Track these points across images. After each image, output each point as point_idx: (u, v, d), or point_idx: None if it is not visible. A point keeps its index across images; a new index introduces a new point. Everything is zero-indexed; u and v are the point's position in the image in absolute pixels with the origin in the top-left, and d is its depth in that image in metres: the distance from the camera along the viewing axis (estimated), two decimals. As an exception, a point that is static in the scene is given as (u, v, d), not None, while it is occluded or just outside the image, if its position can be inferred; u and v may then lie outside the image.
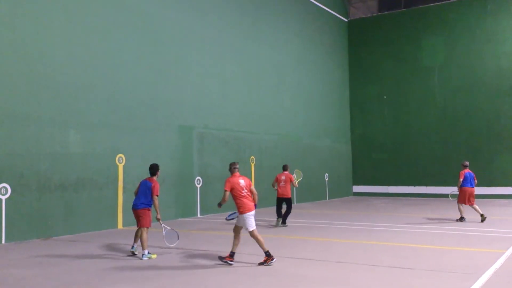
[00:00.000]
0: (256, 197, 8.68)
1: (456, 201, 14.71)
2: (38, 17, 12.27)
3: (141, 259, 8.91)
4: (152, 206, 9.39)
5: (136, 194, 9.59)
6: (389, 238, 11.27)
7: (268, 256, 8.26)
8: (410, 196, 25.32)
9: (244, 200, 8.45)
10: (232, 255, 8.42)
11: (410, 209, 18.63)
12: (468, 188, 14.31)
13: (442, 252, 9.39)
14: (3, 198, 11.18)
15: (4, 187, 11.21)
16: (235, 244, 8.52)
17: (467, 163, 14.84)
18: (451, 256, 9.00)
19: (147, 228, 9.29)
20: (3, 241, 11.11)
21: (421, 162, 25.44)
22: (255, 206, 8.59)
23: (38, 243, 11.26)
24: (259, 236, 8.38)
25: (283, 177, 14.14)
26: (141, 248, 9.16)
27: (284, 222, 13.79)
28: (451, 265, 8.07)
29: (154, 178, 9.55)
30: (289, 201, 14.07)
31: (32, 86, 12.01)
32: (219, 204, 8.73)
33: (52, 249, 10.40)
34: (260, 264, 8.24)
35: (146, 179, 9.60)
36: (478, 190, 14.99)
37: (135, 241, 9.49)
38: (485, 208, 16.10)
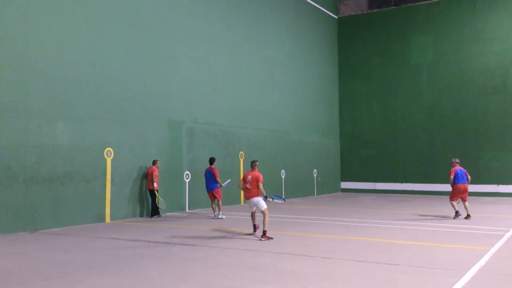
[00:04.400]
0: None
1: (448, 198, 14.74)
2: (26, 7, 12.14)
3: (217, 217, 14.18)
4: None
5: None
6: (376, 234, 11.36)
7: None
8: (397, 193, 25.53)
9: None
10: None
11: (397, 206, 18.79)
12: (461, 185, 14.30)
13: (428, 249, 9.50)
14: (-10, 190, 11.08)
15: (-9, 179, 11.11)
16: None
17: (457, 160, 14.86)
18: (437, 252, 9.10)
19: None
20: (-11, 234, 11.03)
21: (409, 159, 25.65)
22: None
23: (24, 236, 11.19)
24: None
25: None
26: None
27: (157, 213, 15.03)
28: (436, 261, 8.16)
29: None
30: (151, 193, 14.92)
31: (19, 78, 11.90)
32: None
33: (39, 242, 10.35)
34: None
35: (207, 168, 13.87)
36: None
37: (215, 210, 14.59)
38: (472, 205, 16.23)
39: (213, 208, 14.66)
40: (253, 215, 11.34)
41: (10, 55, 11.74)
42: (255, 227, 11.23)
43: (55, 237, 10.96)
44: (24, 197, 11.80)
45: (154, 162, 14.99)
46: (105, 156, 13.91)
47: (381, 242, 10.22)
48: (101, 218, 13.67)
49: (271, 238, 10.49)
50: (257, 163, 11.39)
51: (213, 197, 14.57)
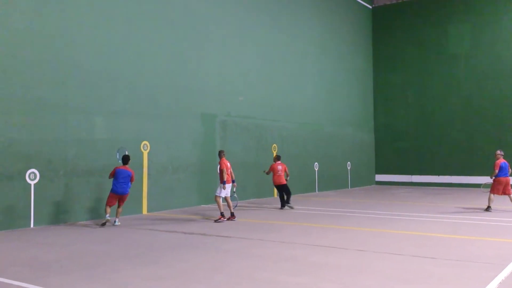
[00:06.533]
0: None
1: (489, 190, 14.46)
2: (64, 7, 12.46)
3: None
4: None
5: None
6: (412, 227, 11.22)
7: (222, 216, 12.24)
8: (434, 186, 25.07)
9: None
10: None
11: (434, 199, 18.46)
12: (503, 178, 14.00)
13: (467, 242, 9.32)
14: (32, 183, 11.47)
15: (33, 172, 11.50)
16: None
17: (502, 152, 14.47)
18: (476, 245, 8.92)
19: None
20: (32, 225, 11.42)
21: (445, 152, 25.14)
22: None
23: (65, 227, 11.54)
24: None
25: (279, 167, 15.47)
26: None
27: (288, 202, 15.23)
28: (475, 255, 8.01)
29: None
30: (285, 186, 15.42)
31: (59, 75, 12.24)
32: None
33: (78, 233, 10.66)
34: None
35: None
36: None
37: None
38: None
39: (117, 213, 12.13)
40: (221, 201, 12.57)
41: (50, 54, 12.09)
42: (233, 214, 12.58)
43: (93, 229, 11.26)
44: (65, 190, 12.17)
45: (277, 159, 15.70)
46: (142, 149, 14.17)
47: (418, 235, 10.09)
48: (138, 210, 13.96)
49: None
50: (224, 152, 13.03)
51: (122, 202, 11.99)
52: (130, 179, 11.85)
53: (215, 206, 16.11)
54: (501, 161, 14.17)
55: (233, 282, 6.36)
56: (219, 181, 12.61)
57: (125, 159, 12.01)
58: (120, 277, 6.63)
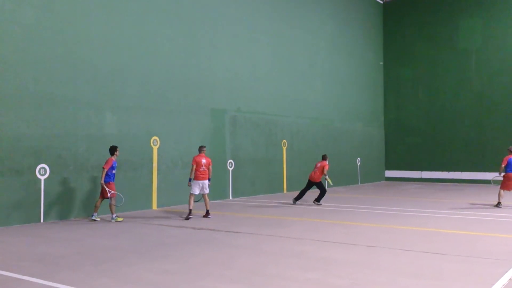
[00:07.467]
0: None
1: (499, 186, 14.40)
2: (74, 2, 12.51)
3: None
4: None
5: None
6: (422, 223, 11.16)
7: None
8: (444, 182, 24.93)
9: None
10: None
11: (445, 195, 18.36)
12: (510, 174, 13.96)
13: (477, 238, 9.26)
14: (42, 178, 11.56)
15: (43, 167, 11.59)
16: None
17: None
18: (486, 242, 8.86)
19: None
20: (42, 220, 11.52)
21: (456, 147, 24.97)
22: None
23: (74, 222, 11.63)
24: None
25: (318, 164, 15.22)
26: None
27: (317, 201, 15.10)
28: (485, 251, 7.96)
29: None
30: (318, 185, 15.13)
31: (69, 70, 12.30)
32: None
33: (89, 228, 10.73)
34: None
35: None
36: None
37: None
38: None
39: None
40: (191, 200, 12.04)
41: (60, 49, 12.14)
42: (190, 212, 12.01)
43: (104, 224, 11.33)
44: (74, 185, 12.25)
45: (326, 157, 15.50)
46: (152, 144, 14.22)
47: (428, 231, 10.04)
48: (148, 205, 14.03)
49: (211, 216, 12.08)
50: (205, 148, 12.48)
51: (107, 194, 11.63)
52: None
53: (224, 201, 16.15)
54: (510, 156, 14.06)
55: (243, 277, 6.37)
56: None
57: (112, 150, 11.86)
58: (131, 272, 6.66)
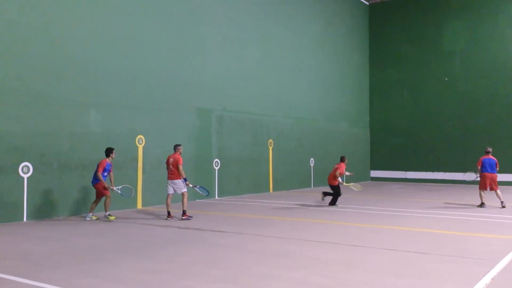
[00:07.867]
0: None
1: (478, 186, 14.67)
2: (59, -2, 12.38)
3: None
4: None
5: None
6: (406, 223, 11.25)
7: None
8: (428, 182, 25.18)
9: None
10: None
11: (428, 195, 18.54)
12: (488, 174, 14.20)
13: (460, 238, 9.36)
14: (25, 176, 11.42)
15: (26, 165, 11.45)
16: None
17: (488, 149, 14.65)
18: (469, 241, 8.96)
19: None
20: (25, 219, 11.38)
21: (440, 148, 25.23)
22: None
23: (58, 221, 11.51)
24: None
25: (335, 166, 14.99)
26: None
27: (332, 204, 14.75)
28: (468, 250, 8.05)
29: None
30: (333, 188, 14.81)
31: (53, 67, 12.17)
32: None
33: (73, 227, 10.63)
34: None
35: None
36: (498, 177, 14.82)
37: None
38: (506, 195, 15.95)
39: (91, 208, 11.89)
40: (169, 201, 11.85)
41: (44, 45, 12.01)
42: (169, 214, 11.72)
43: (88, 222, 11.23)
44: (58, 183, 12.12)
45: (343, 159, 15.18)
46: (137, 143, 14.13)
47: (411, 231, 10.12)
48: (133, 204, 13.94)
49: (191, 217, 11.69)
50: (180, 147, 12.06)
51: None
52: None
53: (210, 201, 16.12)
54: (484, 157, 14.39)
55: (229, 276, 6.36)
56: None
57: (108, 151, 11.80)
58: (117, 271, 6.61)
